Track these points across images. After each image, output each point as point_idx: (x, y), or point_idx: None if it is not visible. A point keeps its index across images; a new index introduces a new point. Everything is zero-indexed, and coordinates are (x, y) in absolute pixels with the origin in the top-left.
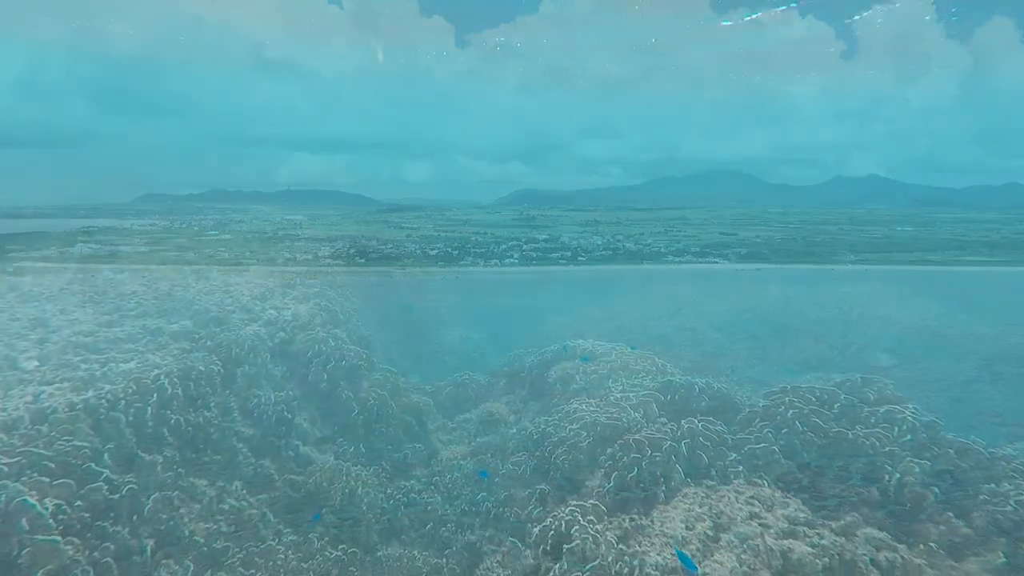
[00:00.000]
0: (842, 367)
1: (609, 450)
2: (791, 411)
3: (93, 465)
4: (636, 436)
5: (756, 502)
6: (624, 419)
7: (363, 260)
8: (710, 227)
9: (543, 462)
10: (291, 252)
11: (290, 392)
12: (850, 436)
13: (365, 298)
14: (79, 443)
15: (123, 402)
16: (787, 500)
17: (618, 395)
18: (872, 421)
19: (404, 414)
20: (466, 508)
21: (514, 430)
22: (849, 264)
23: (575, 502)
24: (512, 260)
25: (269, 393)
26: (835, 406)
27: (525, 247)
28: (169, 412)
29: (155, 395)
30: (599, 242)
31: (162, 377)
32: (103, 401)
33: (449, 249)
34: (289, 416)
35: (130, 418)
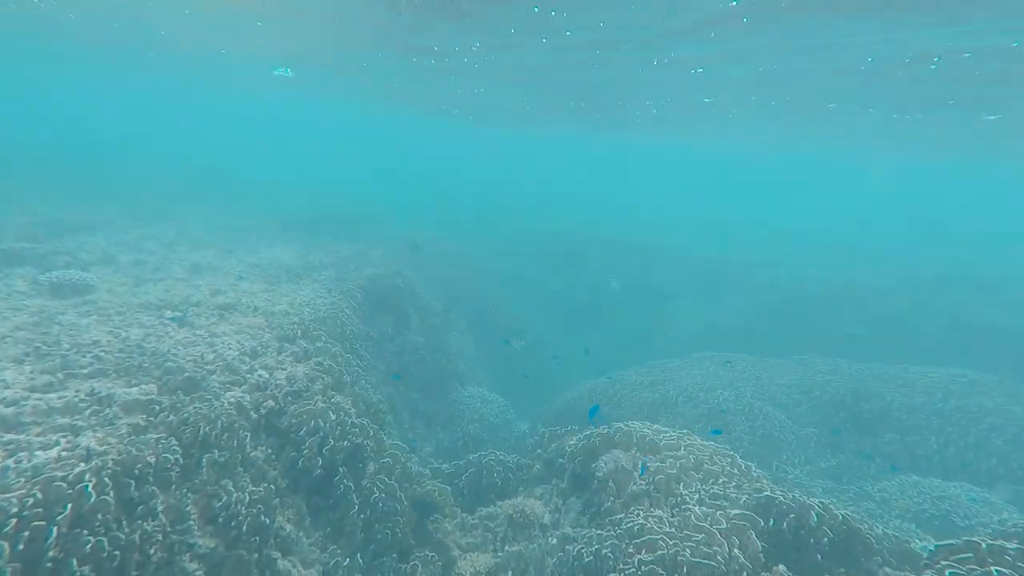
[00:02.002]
0: (941, 469)
1: None
2: None
3: None
4: None
5: None
6: (719, 559)
7: None
8: None
9: None
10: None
11: (272, 485)
12: None
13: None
14: None
15: (13, 522)
16: None
17: (698, 511)
18: None
19: (414, 508)
20: None
21: (554, 540)
22: None
23: None
24: None
25: (245, 487)
26: None
27: None
28: (86, 531)
29: (68, 506)
30: None
31: (86, 476)
32: None
33: None
34: (266, 520)
35: (19, 548)
